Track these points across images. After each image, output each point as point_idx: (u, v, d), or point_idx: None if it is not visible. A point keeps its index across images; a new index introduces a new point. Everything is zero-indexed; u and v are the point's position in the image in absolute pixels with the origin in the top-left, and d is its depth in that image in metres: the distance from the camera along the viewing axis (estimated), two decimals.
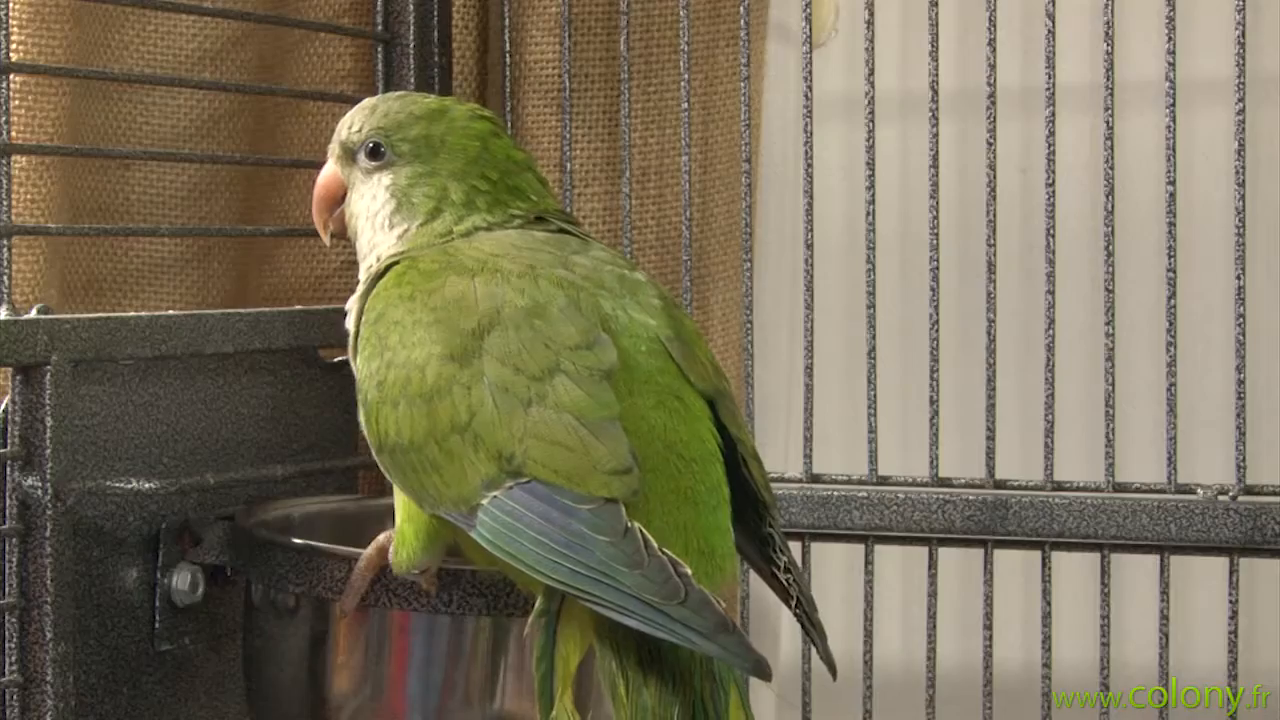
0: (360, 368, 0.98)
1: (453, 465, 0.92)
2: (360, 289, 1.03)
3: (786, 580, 0.98)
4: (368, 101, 1.06)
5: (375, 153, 1.04)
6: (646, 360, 0.96)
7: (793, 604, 0.98)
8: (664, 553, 0.88)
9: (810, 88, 1.30)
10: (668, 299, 1.00)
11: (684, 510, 0.93)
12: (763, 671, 0.88)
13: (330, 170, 1.06)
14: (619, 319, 0.96)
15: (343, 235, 1.07)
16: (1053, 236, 1.26)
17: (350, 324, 1.02)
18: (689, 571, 0.88)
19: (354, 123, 1.05)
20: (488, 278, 0.96)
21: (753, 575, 1.33)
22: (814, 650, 1.28)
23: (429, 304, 0.96)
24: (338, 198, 1.06)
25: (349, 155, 1.05)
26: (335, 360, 1.27)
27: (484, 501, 0.91)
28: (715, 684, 0.91)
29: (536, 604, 0.92)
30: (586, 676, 0.95)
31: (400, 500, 0.98)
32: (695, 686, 0.90)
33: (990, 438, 1.26)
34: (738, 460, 0.98)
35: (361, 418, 0.98)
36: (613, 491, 0.90)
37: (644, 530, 0.89)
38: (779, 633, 1.48)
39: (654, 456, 0.93)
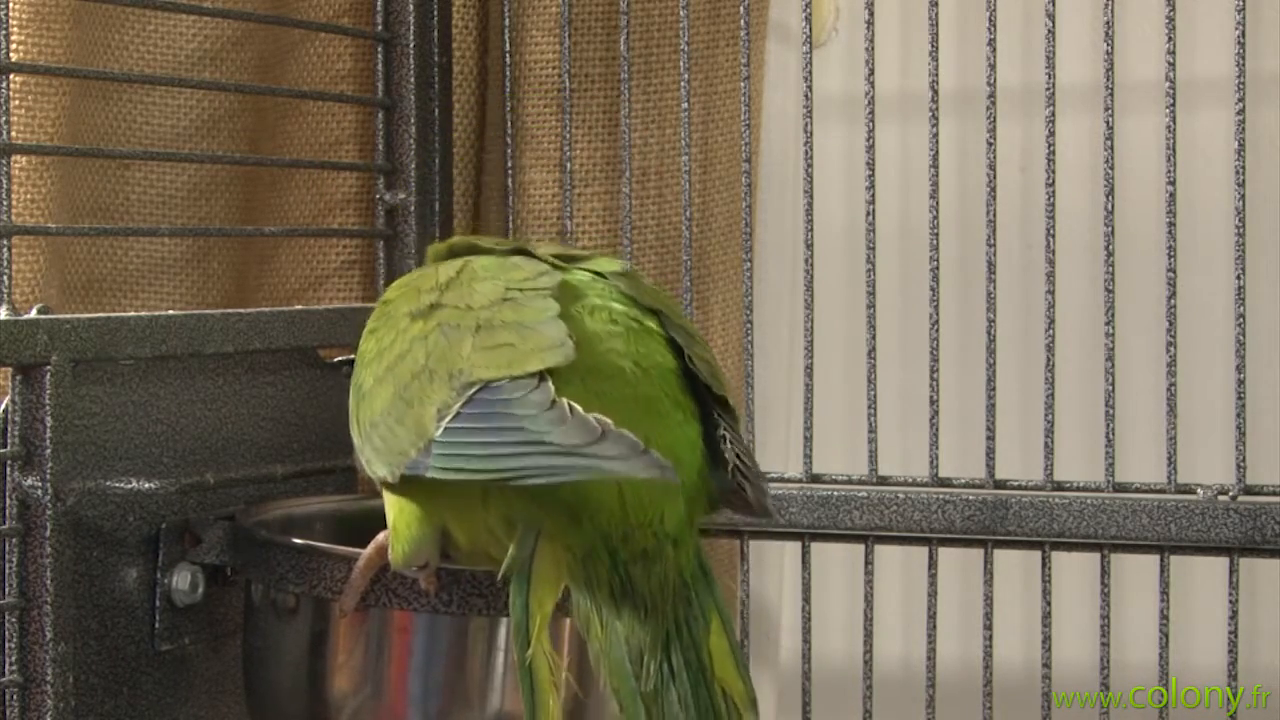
0: (353, 380, 1.02)
1: (412, 411, 0.94)
2: None
3: (726, 451, 0.97)
4: None
5: None
6: (596, 285, 0.99)
7: (730, 470, 0.97)
8: (591, 415, 0.90)
9: (810, 88, 1.30)
10: (647, 303, 1.01)
11: (647, 419, 0.94)
12: (668, 473, 0.88)
13: None
14: (579, 276, 1.00)
15: None
16: (1053, 236, 1.26)
17: None
18: (611, 423, 0.89)
19: None
20: (451, 263, 1.01)
21: (753, 578, 1.33)
22: (813, 650, 1.29)
23: (400, 286, 1.02)
24: None
25: None
26: (335, 360, 1.27)
27: (437, 435, 0.93)
28: (691, 610, 0.92)
29: (510, 550, 0.93)
30: (587, 669, 0.96)
31: (389, 497, 0.99)
32: (668, 613, 0.91)
33: (990, 438, 1.26)
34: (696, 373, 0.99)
35: (355, 433, 1.00)
36: (546, 362, 0.92)
37: (571, 402, 0.90)
38: (779, 633, 1.48)
39: (610, 365, 0.95)
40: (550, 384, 0.91)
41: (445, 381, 0.94)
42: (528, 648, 0.92)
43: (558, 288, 0.97)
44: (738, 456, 0.97)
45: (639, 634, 0.91)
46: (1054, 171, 1.26)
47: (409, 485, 0.96)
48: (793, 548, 1.31)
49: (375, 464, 0.98)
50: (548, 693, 0.92)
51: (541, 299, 0.96)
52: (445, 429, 0.93)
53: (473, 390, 0.92)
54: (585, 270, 1.01)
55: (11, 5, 1.19)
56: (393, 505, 0.99)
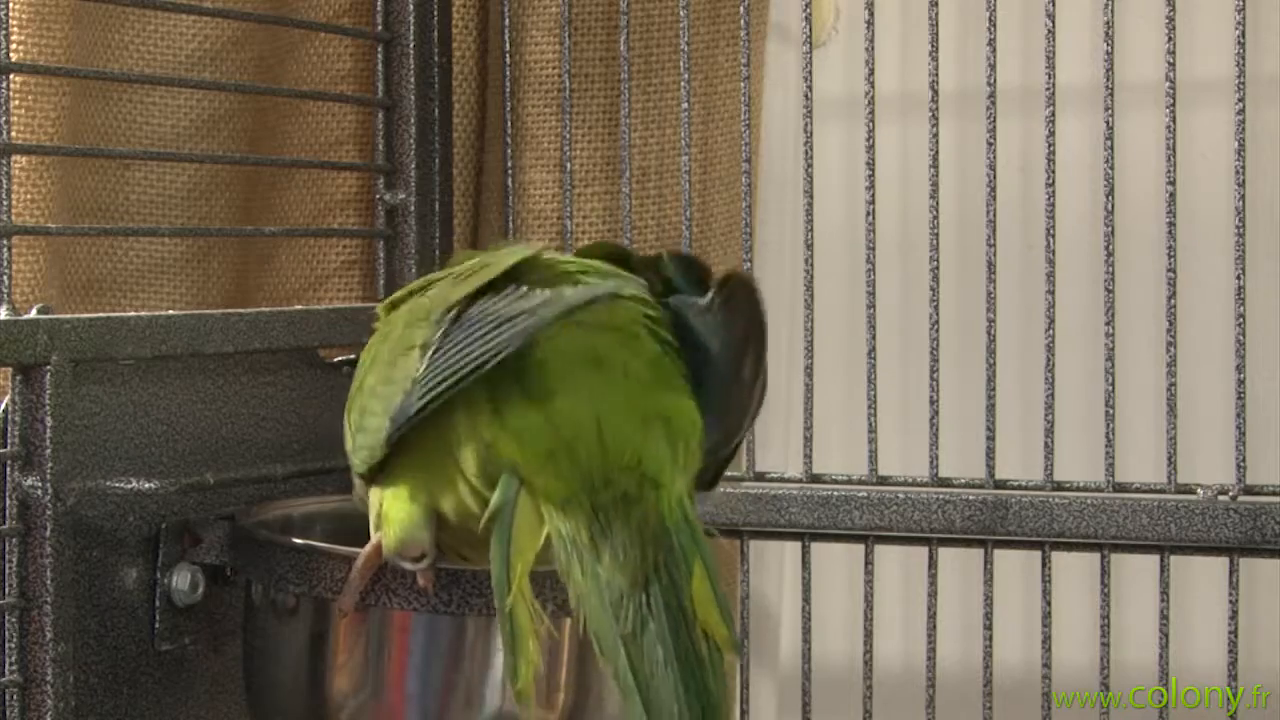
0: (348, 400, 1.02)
1: (396, 366, 0.96)
2: None
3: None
4: None
5: None
6: (574, 262, 1.01)
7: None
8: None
9: (810, 88, 1.30)
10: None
11: (619, 347, 0.96)
12: (604, 287, 0.94)
13: None
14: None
15: None
16: (1053, 236, 1.26)
17: None
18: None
19: None
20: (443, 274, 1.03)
21: (753, 578, 1.33)
22: (813, 650, 1.29)
23: (389, 302, 1.04)
24: None
25: None
26: (335, 360, 1.27)
27: (420, 371, 0.94)
28: (672, 555, 0.91)
29: (493, 499, 0.93)
30: (586, 671, 0.96)
31: (374, 494, 1.00)
32: (648, 556, 0.91)
33: (990, 438, 1.26)
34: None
35: (347, 436, 1.01)
36: (515, 257, 0.96)
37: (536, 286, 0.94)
38: (779, 633, 1.48)
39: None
40: (522, 284, 0.94)
41: (426, 321, 0.96)
42: (508, 595, 0.92)
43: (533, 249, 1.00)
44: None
45: (618, 577, 0.90)
46: (1054, 171, 1.26)
47: (389, 470, 0.97)
48: (793, 548, 1.31)
49: (363, 441, 0.98)
50: (528, 637, 0.91)
51: (515, 248, 0.99)
52: (428, 362, 0.94)
53: (451, 314, 0.94)
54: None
55: (11, 5, 1.19)
56: (376, 496, 0.99)
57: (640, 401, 0.94)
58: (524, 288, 0.94)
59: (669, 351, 0.97)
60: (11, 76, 1.11)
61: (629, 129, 1.33)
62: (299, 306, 1.27)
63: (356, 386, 1.01)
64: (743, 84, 1.31)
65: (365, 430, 0.98)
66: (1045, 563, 1.26)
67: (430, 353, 0.94)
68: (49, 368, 1.05)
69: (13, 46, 1.18)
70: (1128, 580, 1.36)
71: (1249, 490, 1.22)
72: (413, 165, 1.32)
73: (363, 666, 1.04)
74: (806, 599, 1.29)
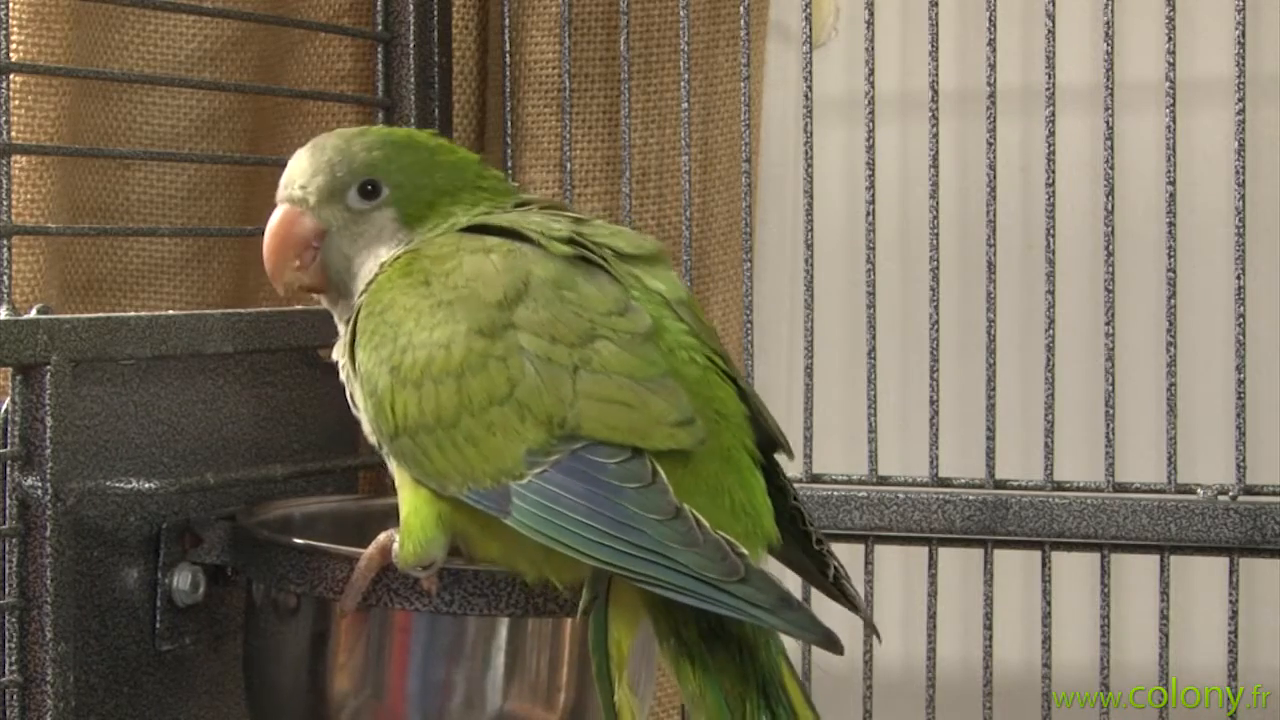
0: (365, 358, 0.97)
1: (493, 438, 0.92)
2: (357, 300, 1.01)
3: (820, 550, 0.99)
4: (322, 143, 1.02)
5: (371, 190, 1.00)
6: (670, 323, 0.97)
7: (829, 575, 0.99)
8: (718, 533, 0.89)
9: (810, 88, 1.30)
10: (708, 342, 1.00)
11: (726, 469, 0.94)
12: (834, 645, 0.88)
13: (299, 217, 1.01)
14: (634, 284, 0.97)
15: (314, 289, 1.03)
16: (1053, 236, 1.26)
17: (344, 329, 1.02)
18: (745, 551, 0.89)
19: (322, 168, 1.01)
20: (504, 252, 0.96)
21: None
22: (812, 649, 1.29)
23: (447, 284, 0.95)
24: (313, 246, 1.02)
25: (332, 198, 1.01)
26: (335, 360, 1.27)
27: (523, 481, 0.91)
28: (770, 653, 0.91)
29: (583, 596, 0.93)
30: (587, 671, 0.96)
31: (407, 492, 0.98)
32: (760, 657, 0.91)
33: (990, 438, 1.26)
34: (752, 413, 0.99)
35: (368, 410, 0.98)
36: (679, 443, 0.91)
37: (696, 513, 0.89)
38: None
39: (697, 414, 0.94)
40: (664, 479, 0.90)
41: (541, 424, 0.91)
42: (611, 692, 0.91)
43: (650, 330, 0.94)
44: (811, 525, 0.99)
45: (733, 677, 0.90)
46: (1054, 171, 1.26)
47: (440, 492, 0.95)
48: None
49: (411, 461, 0.95)
50: None
51: (644, 347, 0.94)
52: (531, 481, 0.91)
53: (577, 446, 0.91)
54: (650, 291, 0.98)
55: (11, 5, 1.19)
56: (410, 502, 0.97)
57: (742, 519, 0.94)
58: (667, 487, 0.89)
59: (757, 468, 0.97)
60: (11, 76, 1.11)
61: (629, 129, 1.33)
62: (299, 306, 1.27)
63: (407, 365, 0.94)
64: (743, 84, 1.31)
65: (421, 449, 0.94)
66: (1045, 563, 1.26)
67: (538, 472, 0.90)
68: (49, 368, 1.05)
69: (13, 46, 1.18)
70: (1128, 580, 1.36)
71: (1249, 490, 1.22)
72: None
73: (363, 667, 1.04)
74: (806, 599, 1.29)
